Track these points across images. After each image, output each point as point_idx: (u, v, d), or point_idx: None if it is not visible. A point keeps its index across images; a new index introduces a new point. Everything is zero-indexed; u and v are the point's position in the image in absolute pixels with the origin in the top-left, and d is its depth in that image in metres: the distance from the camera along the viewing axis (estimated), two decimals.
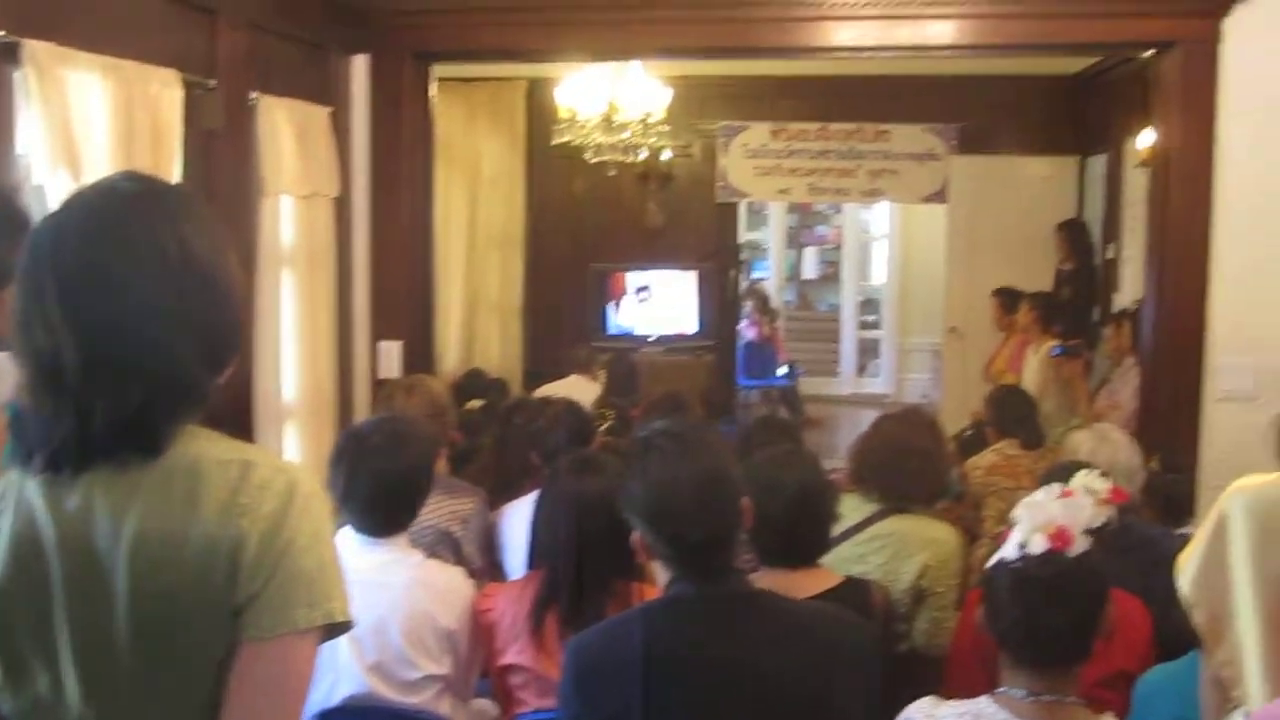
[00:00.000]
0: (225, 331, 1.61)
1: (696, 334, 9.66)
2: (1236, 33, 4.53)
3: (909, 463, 3.76)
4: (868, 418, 4.19)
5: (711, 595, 2.27)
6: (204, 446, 1.56)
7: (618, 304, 9.70)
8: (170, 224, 1.54)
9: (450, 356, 9.08)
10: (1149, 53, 4.77)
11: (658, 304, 9.73)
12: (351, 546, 3.01)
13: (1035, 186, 8.95)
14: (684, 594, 2.29)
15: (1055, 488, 2.59)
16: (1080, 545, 2.42)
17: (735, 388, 10.14)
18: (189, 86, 3.71)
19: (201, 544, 1.49)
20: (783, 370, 11.22)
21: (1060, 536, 2.41)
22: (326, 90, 4.94)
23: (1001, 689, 2.42)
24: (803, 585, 2.93)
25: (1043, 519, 2.45)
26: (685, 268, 9.68)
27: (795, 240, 13.77)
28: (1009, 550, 2.46)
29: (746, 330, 10.84)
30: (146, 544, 1.49)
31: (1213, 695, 1.96)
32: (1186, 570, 1.90)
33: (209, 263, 1.57)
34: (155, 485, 1.51)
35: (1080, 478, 2.72)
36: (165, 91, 3.54)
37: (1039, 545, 2.41)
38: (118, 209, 1.54)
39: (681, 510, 2.27)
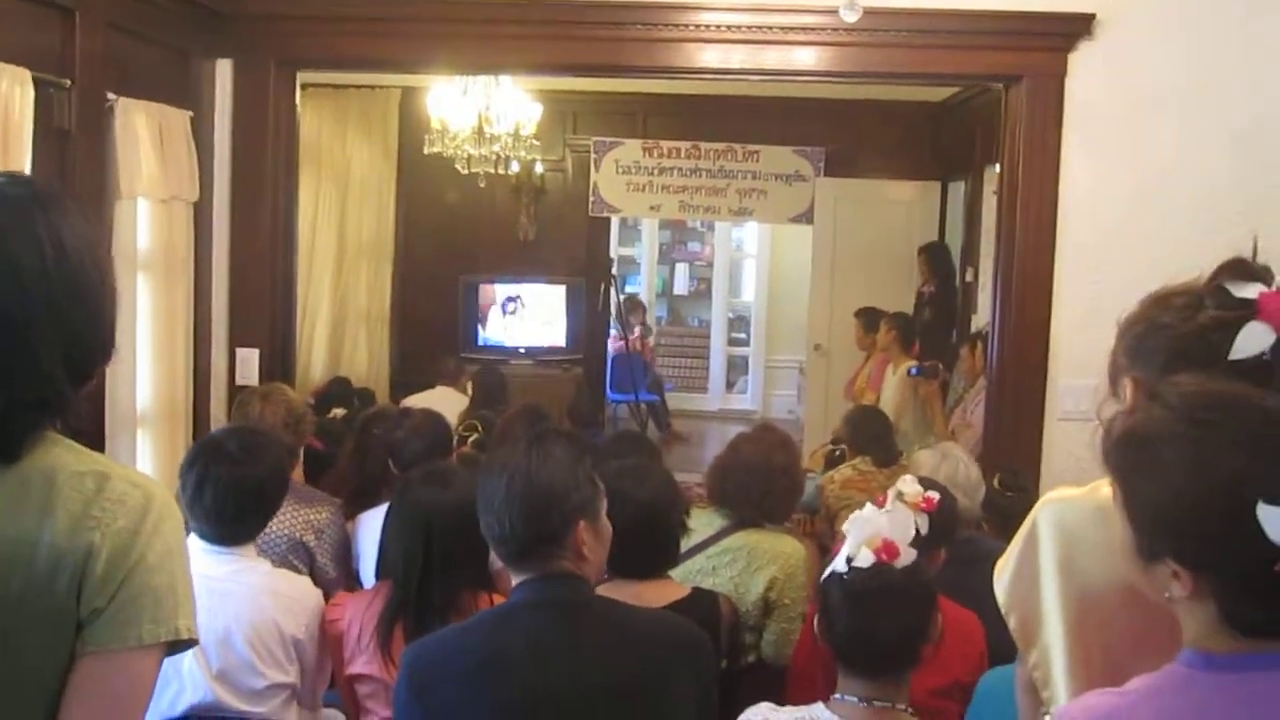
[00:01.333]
0: (95, 341, 1.59)
1: (566, 347, 9.73)
2: (1082, 67, 4.71)
3: (763, 480, 3.85)
4: (735, 433, 4.27)
5: (546, 601, 2.30)
6: (61, 455, 1.54)
7: (487, 316, 9.73)
8: (50, 228, 1.53)
9: (316, 365, 9.07)
10: (999, 85, 4.94)
11: (528, 316, 9.79)
12: (198, 554, 2.99)
13: (899, 210, 9.17)
14: (518, 601, 2.33)
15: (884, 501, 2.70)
16: (907, 557, 2.52)
17: (603, 401, 10.22)
18: (42, 85, 3.67)
19: (50, 553, 1.48)
20: (651, 384, 11.40)
21: (887, 549, 2.51)
22: (188, 94, 4.88)
23: (837, 695, 2.52)
24: (649, 596, 2.99)
25: (870, 532, 2.54)
26: (557, 281, 9.75)
27: (668, 256, 13.94)
28: (839, 563, 2.56)
29: (614, 343, 10.93)
30: None
31: (1026, 698, 2.04)
32: (1002, 577, 2.00)
33: (85, 270, 1.56)
34: (9, 491, 1.50)
35: (897, 485, 2.81)
36: (15, 89, 3.50)
37: (866, 558, 2.50)
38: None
39: (498, 506, 2.30)
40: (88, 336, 1.58)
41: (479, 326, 9.72)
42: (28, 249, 1.51)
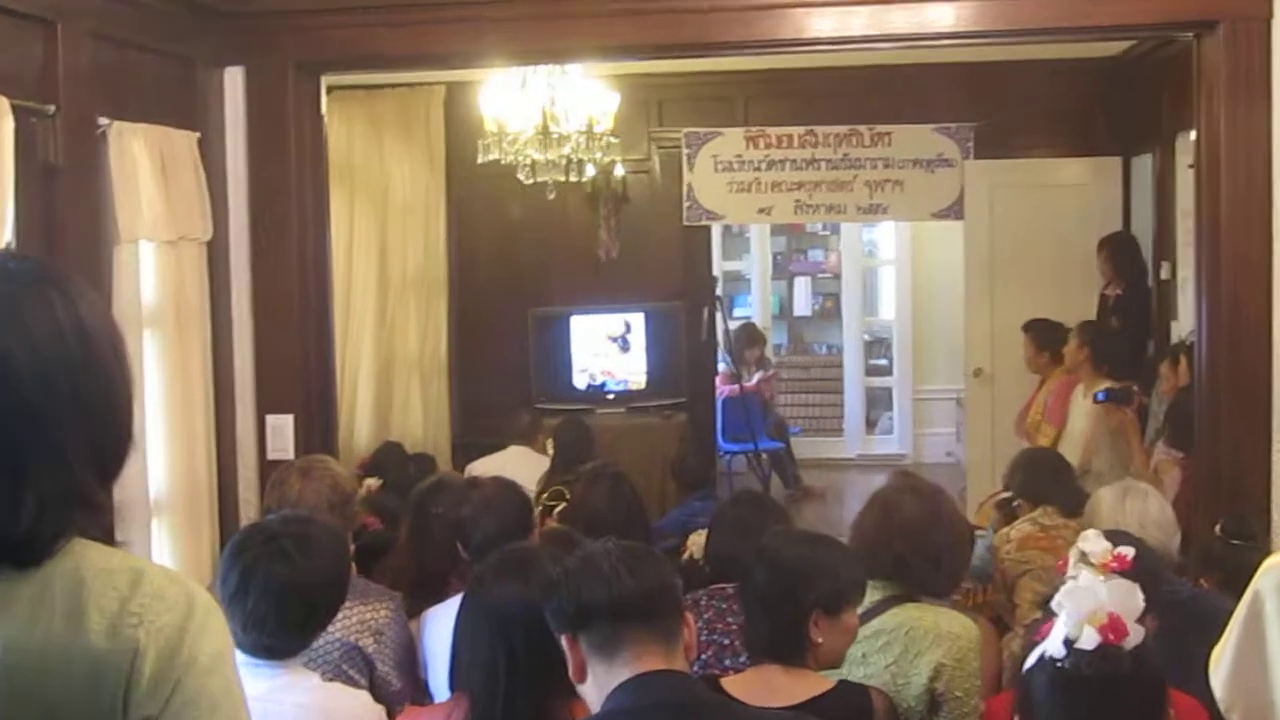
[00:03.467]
0: (121, 432, 1.68)
1: (665, 389, 9.79)
2: None
3: (923, 543, 3.84)
4: (879, 484, 4.28)
5: (651, 706, 2.34)
6: (85, 553, 1.61)
7: (566, 356, 9.82)
8: (67, 308, 1.62)
9: (361, 429, 9.21)
10: (1189, 35, 4.89)
11: (614, 354, 9.87)
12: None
13: (1070, 195, 9.09)
14: (619, 707, 2.36)
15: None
16: (1135, 636, 2.47)
17: (714, 454, 10.26)
18: (22, 114, 3.76)
19: (86, 659, 1.55)
20: (773, 429, 11.42)
21: (1114, 627, 2.46)
22: (193, 111, 5.00)
23: None
24: (785, 690, 3.03)
25: (1090, 605, 2.49)
26: (649, 309, 9.81)
27: (784, 269, 13.95)
28: (1053, 646, 2.51)
29: (724, 383, 10.99)
30: (20, 662, 1.55)
31: None
32: (1219, 669, 1.95)
33: (106, 354, 1.66)
34: (28, 597, 1.57)
35: (1078, 544, 2.78)
36: None
37: (1090, 639, 2.46)
38: (7, 289, 1.61)
39: (592, 573, 2.45)
40: (113, 427, 1.67)
41: (555, 370, 9.81)
42: (47, 334, 1.60)
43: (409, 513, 4.77)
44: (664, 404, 9.74)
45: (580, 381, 9.81)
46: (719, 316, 10.04)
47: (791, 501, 10.66)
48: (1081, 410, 7.14)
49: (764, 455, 10.81)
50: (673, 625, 2.48)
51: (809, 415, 13.19)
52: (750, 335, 11.85)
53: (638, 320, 9.81)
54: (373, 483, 6.76)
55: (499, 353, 9.70)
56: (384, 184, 9.39)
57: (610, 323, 9.85)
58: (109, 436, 1.66)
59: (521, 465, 6.95)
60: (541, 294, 9.84)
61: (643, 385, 9.84)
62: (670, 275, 9.89)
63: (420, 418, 9.51)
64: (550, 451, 7.38)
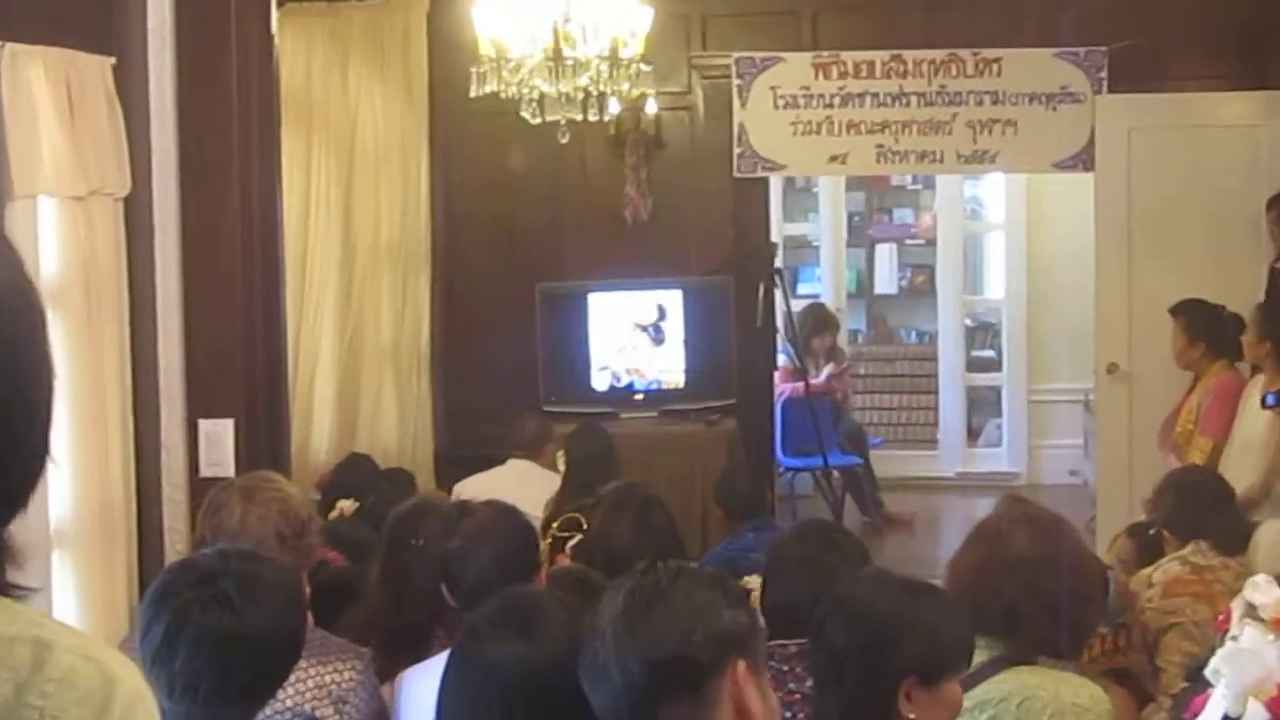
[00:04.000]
0: (33, 448, 1.60)
1: (709, 388, 9.80)
2: None
3: (1041, 589, 3.83)
4: (984, 510, 4.28)
5: None
6: None
7: (584, 344, 9.84)
8: None
9: (321, 440, 9.32)
10: None
11: (645, 344, 9.89)
12: None
13: (1231, 139, 9.09)
14: None
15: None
16: None
17: (772, 471, 10.29)
18: None
19: None
20: (848, 440, 11.42)
21: None
22: (108, 31, 4.99)
23: None
24: None
25: (1256, 673, 2.53)
26: (688, 285, 9.85)
27: (862, 234, 13.92)
28: None
29: (785, 381, 11.03)
30: None
31: None
32: None
33: (22, 328, 1.57)
34: None
35: (1243, 594, 2.82)
36: None
37: (1256, 717, 2.48)
38: None
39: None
40: (24, 441, 1.58)
41: (569, 363, 9.84)
42: None
43: (381, 546, 4.79)
44: (707, 408, 9.74)
45: (600, 381, 9.85)
46: (779, 295, 10.02)
47: (871, 534, 10.62)
48: (1249, 420, 7.09)
49: (835, 474, 10.87)
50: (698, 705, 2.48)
51: (894, 422, 13.24)
52: (819, 319, 11.89)
53: (674, 300, 9.82)
54: (347, 505, 6.82)
55: (497, 341, 9.72)
56: (350, 124, 9.44)
57: (639, 304, 9.87)
58: (19, 454, 1.58)
59: (525, 485, 7.00)
60: (551, 266, 9.87)
61: (680, 384, 9.86)
62: (716, 242, 9.91)
63: (395, 424, 9.61)
64: (562, 468, 7.41)
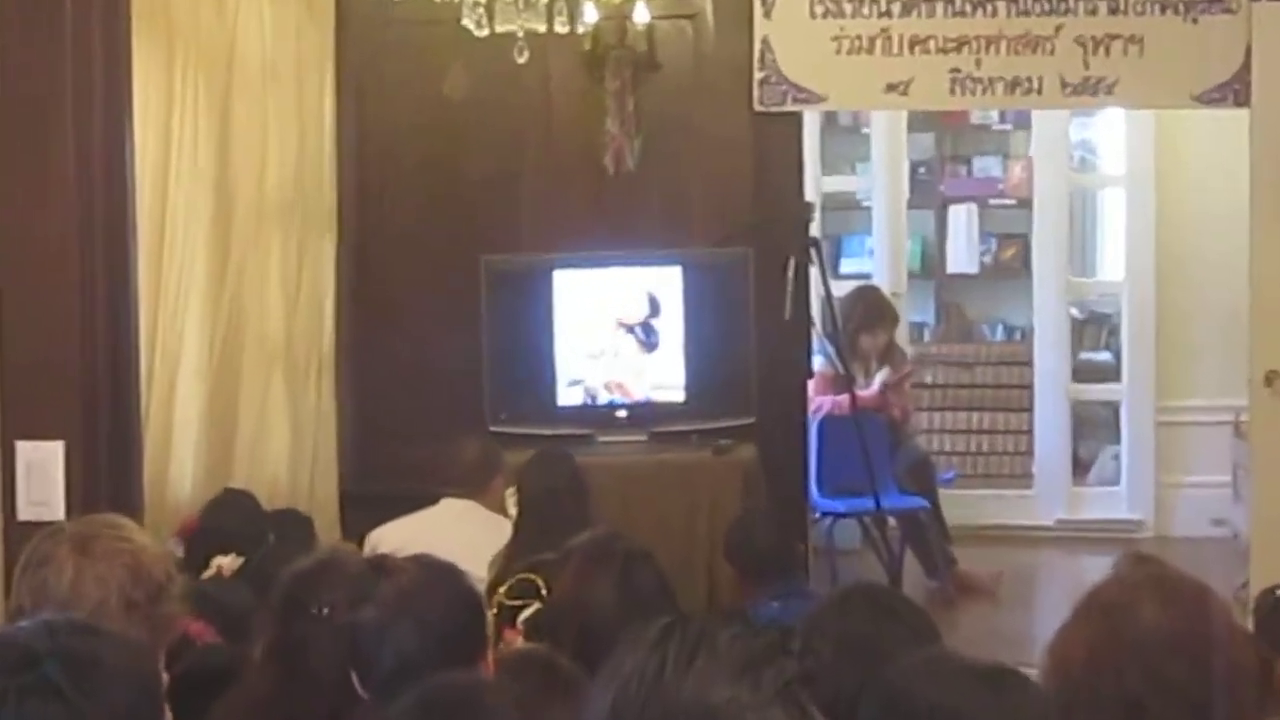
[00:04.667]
0: None
1: (719, 403, 9.85)
2: None
3: (1168, 680, 3.83)
4: (1098, 574, 4.28)
5: None
6: None
7: (548, 342, 9.86)
8: None
9: (184, 469, 9.20)
10: None
11: (629, 351, 9.95)
12: None
13: None
14: None
15: None
16: None
17: (804, 517, 10.31)
18: None
19: None
20: (908, 474, 11.47)
21: None
22: None
23: None
24: None
25: None
26: (689, 259, 9.90)
27: (931, 192, 13.95)
28: None
29: (823, 394, 11.06)
30: None
31: None
32: None
33: None
34: None
35: None
36: None
37: None
38: None
39: None
40: None
41: (526, 365, 9.87)
42: None
43: (268, 616, 4.77)
44: (716, 429, 9.80)
45: (570, 394, 9.93)
46: (815, 275, 10.07)
47: (940, 603, 10.68)
48: None
49: (891, 521, 10.93)
50: None
51: (972, 450, 13.30)
52: (870, 309, 11.83)
53: (670, 282, 9.91)
54: (222, 562, 6.89)
55: (427, 335, 9.89)
56: (228, 38, 9.41)
57: (622, 287, 9.93)
58: None
59: (464, 534, 7.11)
60: (503, 232, 9.99)
61: (679, 396, 9.94)
62: (730, 201, 9.99)
63: (287, 449, 9.63)
64: (514, 510, 7.52)
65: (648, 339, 9.87)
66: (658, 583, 5.17)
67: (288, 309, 9.63)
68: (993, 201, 14.05)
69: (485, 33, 7.91)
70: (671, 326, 9.88)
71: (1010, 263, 13.94)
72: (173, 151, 9.08)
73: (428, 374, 9.79)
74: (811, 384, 10.74)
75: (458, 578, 4.50)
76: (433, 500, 7.93)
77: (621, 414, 9.90)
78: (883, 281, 12.87)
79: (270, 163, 9.54)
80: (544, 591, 5.80)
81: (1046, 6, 9.39)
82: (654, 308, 9.83)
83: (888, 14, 9.49)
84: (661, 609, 4.90)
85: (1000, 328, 14.07)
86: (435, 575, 4.46)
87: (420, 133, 9.87)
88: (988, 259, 14.08)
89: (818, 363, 10.85)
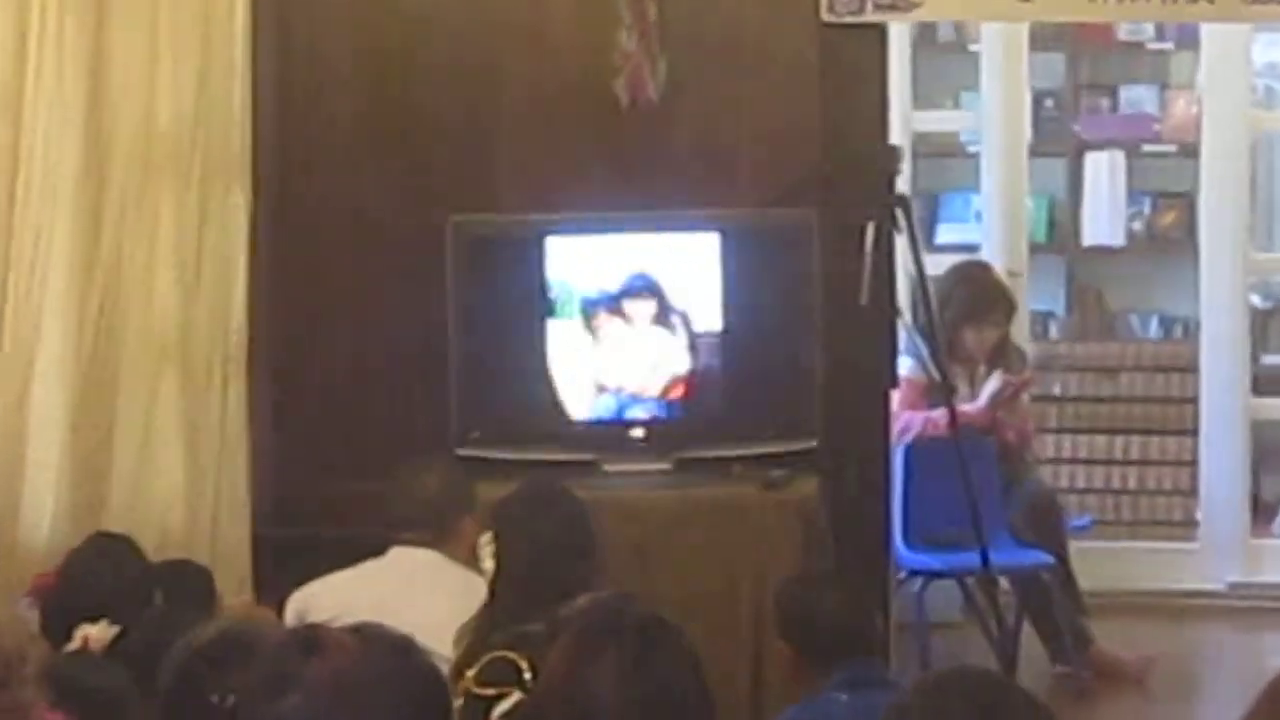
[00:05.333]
0: None
1: (769, 419, 9.89)
2: None
3: None
4: None
5: None
6: None
7: (540, 336, 9.91)
8: None
9: (40, 503, 9.27)
10: None
11: (649, 338, 9.94)
12: None
13: None
14: None
15: None
16: None
17: (886, 577, 10.30)
18: None
19: None
20: (1028, 519, 11.38)
21: None
22: None
23: None
24: None
25: None
26: (732, 224, 9.95)
27: (1061, 135, 14.03)
28: None
29: (913, 408, 11.08)
30: None
31: None
32: None
33: None
34: None
35: None
36: None
37: None
38: None
39: None
40: None
41: (508, 367, 9.92)
42: None
43: (153, 706, 4.82)
44: (766, 455, 9.83)
45: (571, 405, 9.94)
46: (902, 245, 10.15)
47: (1070, 695, 10.80)
48: None
49: (1003, 582, 10.87)
50: None
51: (1116, 487, 13.34)
52: (977, 292, 11.81)
53: (706, 253, 9.94)
54: (91, 632, 6.87)
55: (373, 327, 10.02)
56: None
57: (639, 261, 9.92)
58: None
59: (422, 595, 7.23)
60: (476, 187, 10.08)
61: (715, 410, 9.98)
62: (787, 145, 10.05)
63: (181, 477, 9.63)
64: (489, 564, 7.38)
65: (673, 333, 9.87)
66: (683, 667, 4.99)
67: (183, 290, 9.61)
68: (1146, 148, 14.16)
69: None
70: (706, 315, 9.87)
71: (1169, 232, 14.08)
72: (28, 76, 9.22)
73: (374, 378, 9.90)
74: (897, 396, 10.77)
75: (413, 656, 4.43)
76: (379, 550, 7.95)
77: (637, 434, 9.93)
78: (995, 256, 12.88)
79: (160, 93, 9.56)
80: (527, 676, 5.76)
81: None
82: (682, 290, 9.83)
83: None
84: (687, 704, 4.95)
85: (1155, 321, 14.17)
86: (383, 653, 4.37)
87: (365, 54, 9.94)
88: (1138, 227, 14.21)
89: (905, 366, 10.78)
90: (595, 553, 7.34)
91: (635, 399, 9.94)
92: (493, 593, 7.11)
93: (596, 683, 4.83)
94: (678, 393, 9.93)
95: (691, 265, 9.88)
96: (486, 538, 7.46)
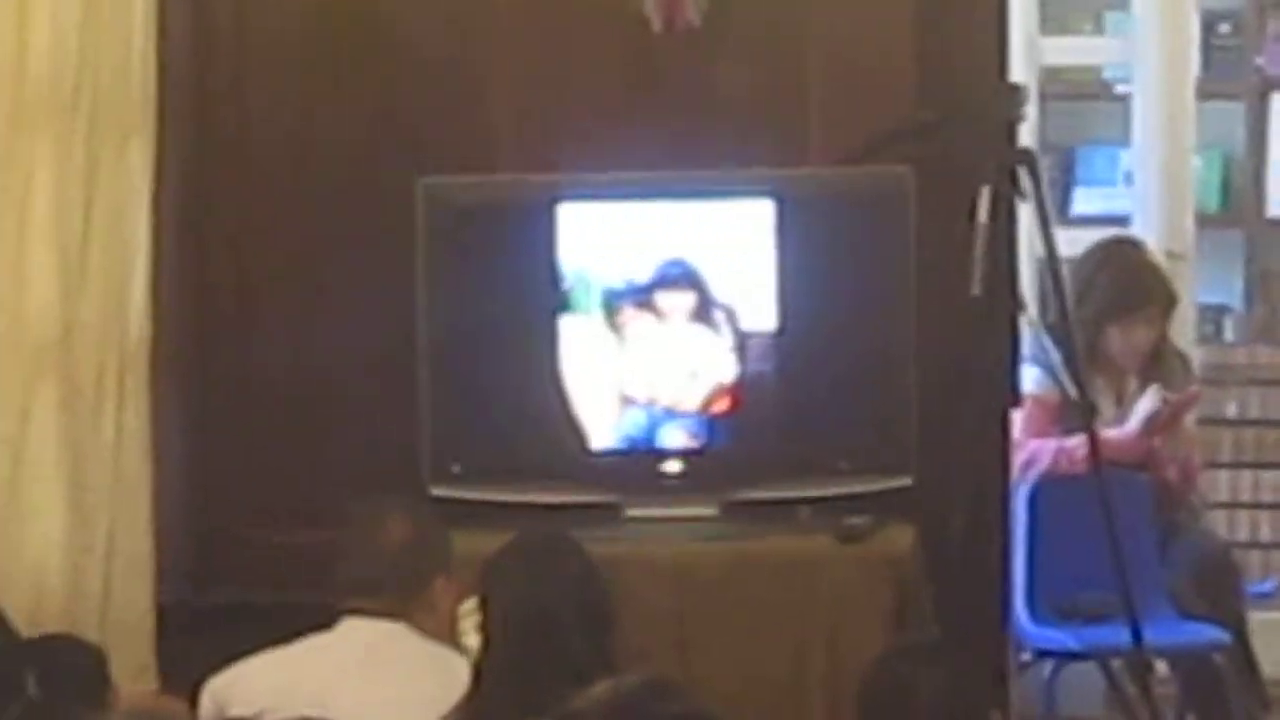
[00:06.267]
0: None
1: (847, 446, 8.93)
2: None
3: None
4: None
5: None
6: None
7: (546, 330, 9.09)
8: None
9: None
10: None
11: (688, 335, 8.98)
12: None
13: None
14: None
15: None
16: None
17: (1005, 656, 9.26)
18: None
19: None
20: (1195, 582, 10.31)
21: None
22: None
23: None
24: None
25: None
26: (799, 186, 9.09)
27: (1239, 72, 13.17)
28: None
29: (1040, 434, 10.06)
30: None
31: None
32: None
33: None
34: None
35: None
36: None
37: None
38: None
39: None
40: None
41: (503, 374, 9.04)
42: None
43: None
44: (843, 496, 8.78)
45: (581, 430, 8.96)
46: (1027, 216, 9.11)
47: None
48: None
49: (1162, 664, 10.13)
50: None
51: None
52: (1125, 280, 10.68)
53: (758, 226, 8.95)
54: None
55: (318, 326, 9.46)
56: None
57: (676, 235, 8.97)
58: None
59: (383, 680, 6.87)
60: (459, 140, 9.41)
61: (771, 431, 9.00)
62: (870, 84, 9.19)
63: (60, 523, 8.73)
64: (473, 640, 7.00)
65: (717, 332, 8.78)
66: None
67: (65, 278, 8.62)
68: None
69: None
70: (760, 306, 8.83)
71: None
72: None
73: (321, 392, 9.08)
74: (1020, 417, 9.74)
75: None
76: (326, 622, 7.17)
77: (672, 467, 8.91)
78: (1150, 231, 11.90)
79: (35, 25, 8.59)
80: None
81: None
82: (730, 276, 8.80)
83: None
84: None
85: None
86: None
87: None
88: None
89: (1031, 378, 9.89)
90: (615, 626, 6.82)
91: (670, 414, 8.98)
92: (478, 678, 6.54)
93: None
94: (722, 406, 8.99)
95: (741, 243, 8.96)
96: (470, 605, 7.26)
